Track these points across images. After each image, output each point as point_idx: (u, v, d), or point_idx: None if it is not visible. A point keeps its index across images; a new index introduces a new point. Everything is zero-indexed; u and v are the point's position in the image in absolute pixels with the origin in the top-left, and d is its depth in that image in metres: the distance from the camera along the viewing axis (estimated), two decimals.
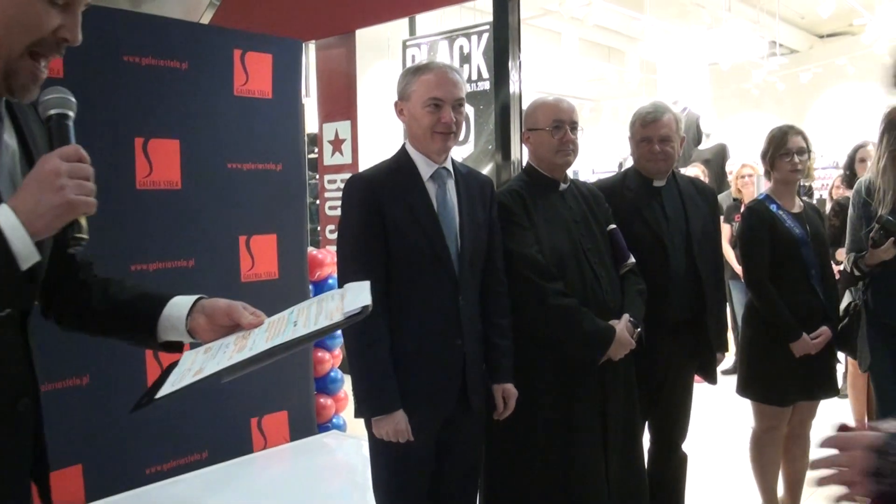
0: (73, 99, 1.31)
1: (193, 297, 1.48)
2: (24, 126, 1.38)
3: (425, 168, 2.48)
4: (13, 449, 1.34)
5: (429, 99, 2.42)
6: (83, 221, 1.22)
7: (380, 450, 2.45)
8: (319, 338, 1.44)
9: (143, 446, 3.71)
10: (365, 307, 1.34)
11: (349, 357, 2.17)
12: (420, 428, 2.38)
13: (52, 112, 1.28)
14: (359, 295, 1.40)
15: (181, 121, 3.57)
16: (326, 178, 5.55)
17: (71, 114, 1.30)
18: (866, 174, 3.49)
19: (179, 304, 1.47)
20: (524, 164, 4.46)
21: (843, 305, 3.52)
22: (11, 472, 1.34)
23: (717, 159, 7.80)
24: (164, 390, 1.30)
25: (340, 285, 2.14)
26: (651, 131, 3.08)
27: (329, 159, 5.53)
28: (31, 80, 1.28)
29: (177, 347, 1.50)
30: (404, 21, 5.65)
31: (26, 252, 1.16)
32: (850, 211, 3.48)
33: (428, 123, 2.42)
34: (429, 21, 5.58)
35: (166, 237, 3.54)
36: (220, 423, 3.85)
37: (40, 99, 1.30)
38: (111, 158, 3.39)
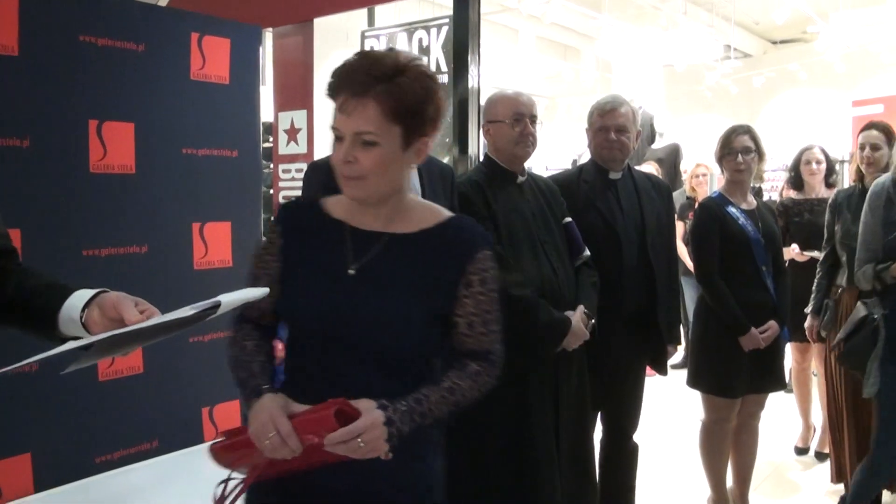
0: None
1: (95, 290, 1.45)
2: None
3: None
4: None
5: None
6: None
7: None
8: (174, 329, 1.41)
9: (92, 435, 3.65)
10: (216, 304, 1.35)
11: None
12: None
13: None
14: (243, 297, 1.42)
15: (136, 104, 3.51)
16: (281, 167, 5.50)
17: None
18: (892, 172, 3.29)
19: (79, 296, 1.45)
20: (482, 157, 4.50)
21: (856, 318, 3.26)
22: None
23: (671, 158, 7.92)
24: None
25: None
26: (609, 120, 3.13)
27: (284, 148, 5.48)
28: None
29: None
30: (363, 11, 5.63)
31: None
32: (865, 214, 3.26)
33: None
34: (388, 12, 5.56)
35: (119, 222, 3.48)
36: (171, 413, 3.80)
37: None
38: (65, 140, 3.33)
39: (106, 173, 3.45)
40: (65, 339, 1.45)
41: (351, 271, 1.62)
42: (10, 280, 1.53)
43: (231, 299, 1.42)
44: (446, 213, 1.71)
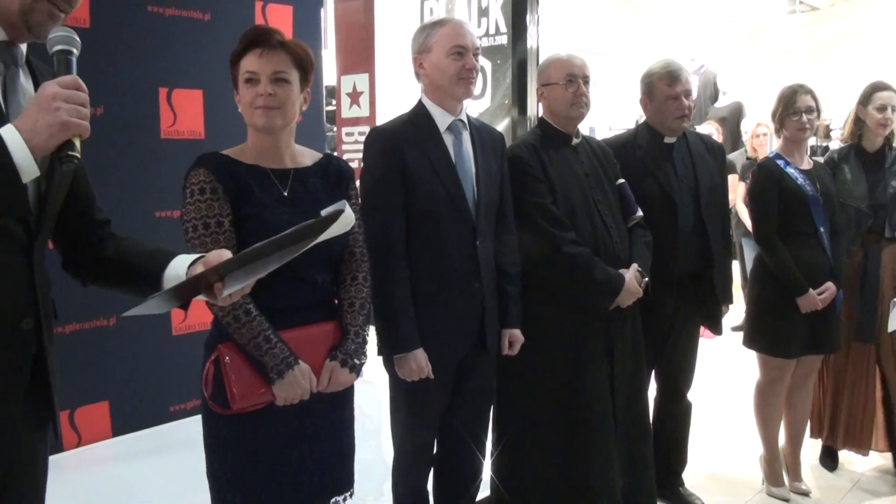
0: (78, 39, 1.43)
1: (198, 255, 1.60)
2: (39, 76, 1.53)
3: (442, 120, 2.58)
4: (14, 365, 1.48)
5: (453, 47, 2.52)
6: (76, 142, 1.34)
7: (399, 388, 2.57)
8: (309, 238, 1.55)
9: (166, 385, 3.85)
10: (342, 206, 1.57)
11: (372, 298, 2.29)
12: (438, 367, 2.49)
13: (57, 48, 1.40)
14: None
15: (204, 71, 3.65)
16: (344, 130, 5.61)
17: (74, 50, 1.41)
18: None
19: (184, 258, 1.59)
20: (538, 116, 4.53)
21: None
22: (9, 388, 1.47)
23: (734, 117, 7.80)
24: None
25: (365, 230, 2.28)
26: (678, 87, 3.14)
27: (347, 112, 5.58)
28: (46, 18, 1.44)
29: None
30: None
31: (27, 166, 1.30)
32: None
33: (454, 70, 2.52)
34: None
35: None
36: None
37: (48, 37, 1.42)
38: (136, 108, 3.49)
39: (176, 139, 3.61)
40: None
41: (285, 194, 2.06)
42: (109, 246, 1.69)
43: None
44: (317, 153, 2.23)
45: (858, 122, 3.73)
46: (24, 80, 1.52)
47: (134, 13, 3.44)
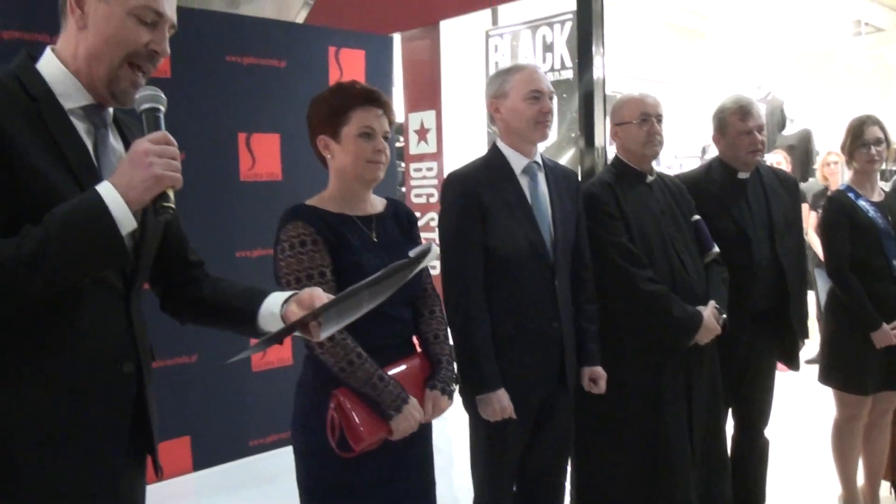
0: (163, 96, 1.51)
1: (291, 292, 1.67)
2: (127, 134, 1.63)
3: (517, 162, 2.64)
4: (118, 408, 1.55)
5: (530, 91, 2.59)
6: (170, 193, 1.42)
7: (479, 428, 2.60)
8: (397, 278, 1.63)
9: (246, 420, 3.95)
10: (429, 246, 1.62)
11: (453, 339, 2.35)
12: (520, 406, 2.51)
13: (145, 106, 1.48)
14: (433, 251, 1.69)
15: (281, 116, 3.77)
16: (412, 166, 5.69)
17: (161, 108, 1.50)
18: None
19: (277, 296, 1.66)
20: (606, 149, 4.56)
21: None
22: (114, 430, 1.54)
23: (802, 145, 7.69)
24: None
25: (442, 272, 2.36)
26: (752, 122, 3.14)
27: (415, 148, 5.67)
28: (130, 85, 1.52)
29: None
30: (487, 11, 5.75)
31: (125, 219, 1.37)
32: None
33: (531, 114, 2.59)
34: (511, 11, 5.65)
35: (268, 225, 3.73)
36: None
37: (136, 97, 1.50)
38: (217, 153, 3.62)
39: (255, 181, 3.73)
40: (263, 334, 1.68)
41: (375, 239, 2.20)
42: (205, 286, 1.78)
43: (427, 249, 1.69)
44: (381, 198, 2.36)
45: None
46: (114, 140, 1.61)
47: (213, 63, 3.58)
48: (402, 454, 2.18)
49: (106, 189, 1.37)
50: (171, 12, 1.56)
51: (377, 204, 2.30)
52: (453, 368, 2.27)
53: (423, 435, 2.24)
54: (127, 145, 1.62)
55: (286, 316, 1.61)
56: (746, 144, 3.15)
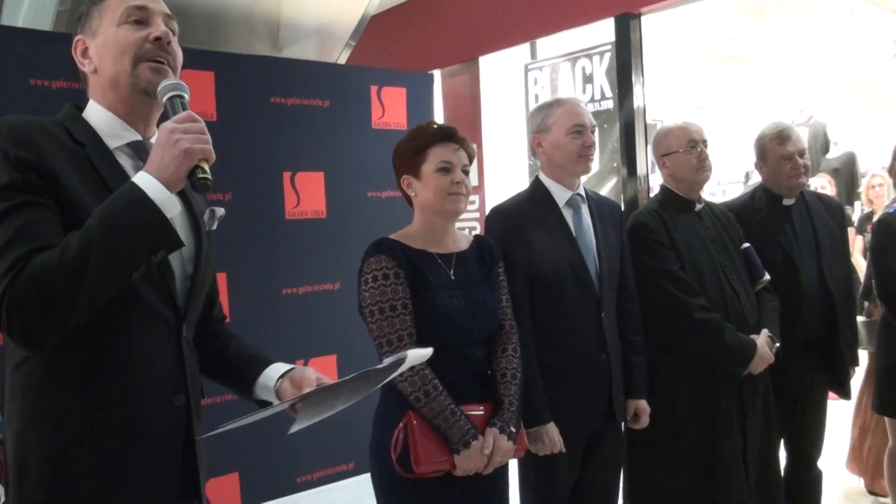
0: (185, 84, 1.55)
1: (288, 366, 1.72)
2: (191, 200, 1.67)
3: (560, 195, 2.65)
4: (169, 440, 1.57)
5: (573, 126, 2.62)
6: (205, 165, 1.44)
7: (529, 462, 2.58)
8: (373, 382, 1.65)
9: (294, 457, 3.96)
10: (405, 356, 1.61)
11: None
12: (569, 440, 2.51)
13: (168, 95, 1.52)
14: (422, 355, 1.69)
15: (325, 154, 3.82)
16: None
17: (184, 94, 1.53)
18: None
19: (275, 369, 1.72)
20: (648, 177, 4.55)
21: None
22: (166, 463, 1.56)
23: (847, 168, 7.59)
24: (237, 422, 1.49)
25: None
26: (791, 147, 3.13)
27: None
28: (153, 74, 1.56)
29: (267, 405, 1.70)
30: (526, 45, 5.80)
31: (167, 201, 1.40)
32: None
33: (574, 148, 2.62)
34: (550, 44, 5.70)
35: (314, 262, 3.80)
36: (366, 437, 4.07)
37: (158, 89, 1.54)
38: (262, 192, 3.67)
39: (300, 219, 3.78)
40: (257, 401, 1.74)
41: (452, 277, 2.24)
42: (218, 343, 1.83)
43: (414, 355, 1.67)
44: (469, 235, 2.43)
45: None
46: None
47: (258, 105, 3.64)
48: (482, 490, 2.22)
49: (140, 176, 1.41)
50: (153, 4, 1.61)
51: (461, 241, 2.36)
52: (517, 409, 2.26)
53: (502, 473, 2.29)
54: (189, 207, 1.67)
55: (279, 391, 1.67)
56: (788, 170, 3.13)
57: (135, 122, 1.60)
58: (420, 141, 2.24)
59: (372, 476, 2.26)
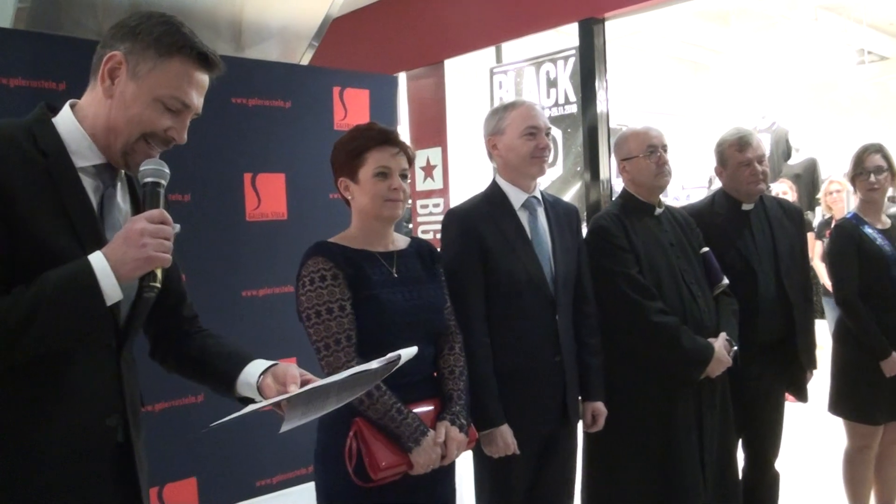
0: (167, 170, 1.54)
1: (270, 363, 1.71)
2: (139, 193, 1.63)
3: (516, 197, 2.66)
4: (98, 458, 1.56)
5: (526, 128, 2.62)
6: (158, 273, 1.46)
7: (483, 465, 2.59)
8: (364, 383, 1.67)
9: (253, 460, 3.92)
10: (398, 356, 1.62)
11: None
12: (524, 442, 2.51)
13: (147, 180, 1.52)
14: (404, 355, 1.67)
15: (286, 156, 3.79)
16: (419, 203, 5.74)
17: (163, 182, 1.53)
18: None
19: (256, 365, 1.71)
20: (612, 182, 4.58)
21: None
22: (96, 479, 1.55)
23: (808, 174, 7.70)
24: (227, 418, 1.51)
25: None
26: (751, 154, 3.16)
27: (421, 185, 5.72)
28: (144, 158, 1.55)
29: (249, 402, 1.69)
30: (491, 49, 5.82)
31: (112, 292, 1.41)
32: None
33: (527, 150, 2.62)
34: (515, 48, 5.72)
35: (274, 264, 3.77)
36: None
37: (140, 168, 1.53)
38: (223, 193, 3.63)
39: (261, 220, 3.75)
40: (239, 398, 1.72)
41: (395, 275, 2.23)
42: (194, 342, 1.82)
43: (406, 354, 1.68)
44: (405, 236, 2.42)
45: None
46: (121, 198, 1.63)
47: (218, 105, 3.60)
48: (429, 491, 2.21)
49: (97, 260, 1.40)
50: (198, 103, 1.60)
51: (399, 241, 2.36)
52: (465, 402, 2.27)
53: (447, 473, 2.28)
54: (135, 202, 1.66)
55: (261, 387, 1.66)
56: (747, 175, 3.16)
57: (105, 153, 1.57)
58: (358, 144, 2.22)
59: (316, 485, 2.24)
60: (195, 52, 1.57)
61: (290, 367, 1.66)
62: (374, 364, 1.61)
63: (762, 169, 3.18)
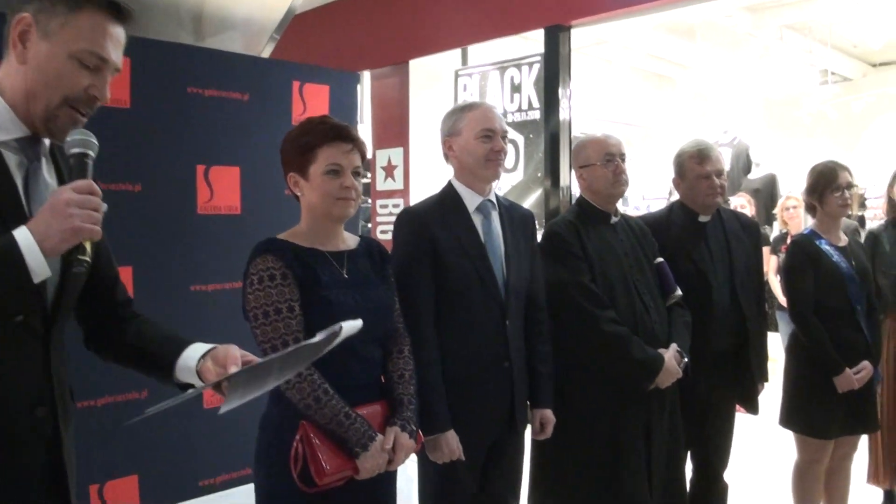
0: (96, 141, 1.47)
1: (209, 346, 1.64)
2: (63, 168, 1.58)
3: (471, 200, 2.62)
4: (27, 451, 1.50)
5: (482, 130, 2.58)
6: (87, 245, 1.39)
7: (428, 469, 2.55)
8: (306, 357, 1.62)
9: (196, 459, 3.85)
10: (340, 327, 1.57)
11: None
12: (469, 448, 2.47)
13: (74, 150, 1.44)
14: (346, 327, 1.62)
15: (242, 149, 3.72)
16: (379, 202, 5.68)
17: (91, 153, 1.46)
18: None
19: (195, 349, 1.64)
20: (572, 189, 4.56)
21: None
22: (24, 473, 1.49)
23: (767, 189, 7.78)
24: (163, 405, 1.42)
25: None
26: (709, 166, 3.16)
27: (382, 184, 5.67)
28: (70, 124, 1.49)
29: (189, 388, 1.64)
30: (457, 51, 5.79)
31: (39, 268, 1.33)
32: None
33: (482, 152, 2.58)
34: (480, 51, 5.69)
35: (225, 259, 3.69)
36: None
37: (66, 139, 1.46)
38: (174, 185, 3.56)
39: (213, 214, 3.67)
40: (179, 384, 1.65)
41: (346, 276, 2.16)
42: (129, 328, 1.75)
43: (348, 326, 1.63)
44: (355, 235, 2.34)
45: (892, 203, 3.78)
46: (47, 173, 1.56)
47: (173, 94, 3.53)
48: (369, 495, 2.14)
49: (22, 235, 1.33)
50: (115, 57, 1.53)
51: (349, 241, 2.28)
52: (415, 408, 2.22)
53: (388, 478, 2.21)
54: (62, 178, 1.58)
55: (201, 371, 1.60)
56: (705, 188, 3.16)
57: (28, 123, 1.50)
58: (309, 139, 2.13)
59: (256, 487, 2.15)
60: (105, 2, 1.50)
61: (231, 349, 1.60)
62: (317, 337, 1.56)
63: (720, 182, 3.18)
